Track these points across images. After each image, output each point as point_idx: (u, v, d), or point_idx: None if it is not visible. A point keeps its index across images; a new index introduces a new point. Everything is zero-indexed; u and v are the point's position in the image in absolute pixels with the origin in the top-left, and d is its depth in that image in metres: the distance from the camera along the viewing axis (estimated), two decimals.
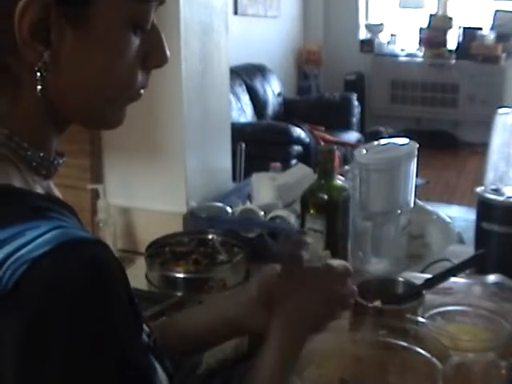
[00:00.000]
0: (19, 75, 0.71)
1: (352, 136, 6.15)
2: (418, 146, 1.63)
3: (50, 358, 0.59)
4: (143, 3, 0.74)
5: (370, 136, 5.91)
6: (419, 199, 1.76)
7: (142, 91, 0.80)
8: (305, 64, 7.54)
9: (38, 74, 0.70)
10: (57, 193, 0.81)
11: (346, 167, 1.82)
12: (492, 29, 7.42)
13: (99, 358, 0.61)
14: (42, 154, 0.74)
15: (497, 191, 1.57)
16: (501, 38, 7.29)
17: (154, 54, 0.79)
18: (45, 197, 0.73)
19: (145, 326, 0.75)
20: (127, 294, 0.68)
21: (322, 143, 5.36)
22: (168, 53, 0.80)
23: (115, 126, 0.81)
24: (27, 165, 0.73)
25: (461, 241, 1.79)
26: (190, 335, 1.09)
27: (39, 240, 0.61)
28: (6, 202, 0.66)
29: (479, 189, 1.60)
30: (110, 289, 0.63)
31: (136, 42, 0.75)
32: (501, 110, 1.72)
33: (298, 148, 5.13)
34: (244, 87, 5.85)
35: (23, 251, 0.60)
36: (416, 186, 1.67)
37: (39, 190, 0.74)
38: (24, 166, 0.73)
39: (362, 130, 6.64)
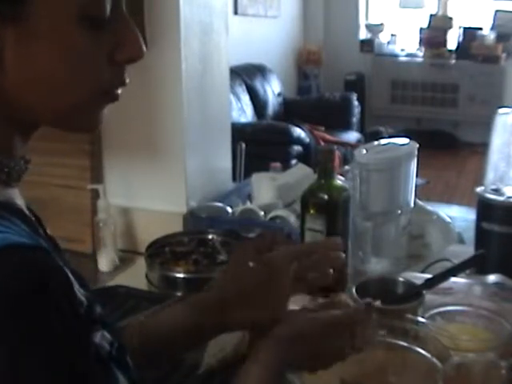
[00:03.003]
0: None
1: (352, 136, 6.15)
2: (418, 145, 1.63)
3: None
4: None
5: (370, 136, 5.92)
6: (419, 199, 1.76)
7: (118, 91, 0.75)
8: (305, 64, 7.54)
9: None
10: (20, 201, 0.75)
11: (346, 167, 1.82)
12: (492, 29, 7.42)
13: (31, 373, 0.58)
14: (0, 159, 0.70)
15: (497, 191, 1.57)
16: (501, 37, 7.29)
17: (122, 47, 0.72)
18: None
19: (106, 333, 0.72)
20: (70, 302, 0.63)
21: (322, 143, 5.36)
22: (141, 44, 0.73)
23: (90, 129, 0.78)
24: None
25: (461, 241, 1.79)
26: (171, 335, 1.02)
27: None
28: None
29: (479, 189, 1.60)
30: (46, 295, 0.60)
31: (93, 36, 0.69)
32: (501, 110, 1.72)
33: (298, 148, 5.13)
34: (244, 87, 5.85)
35: None
36: (416, 186, 1.67)
37: None
38: None
39: (362, 130, 6.64)
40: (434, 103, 7.61)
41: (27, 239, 0.64)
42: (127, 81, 0.75)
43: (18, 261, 0.60)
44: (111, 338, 0.71)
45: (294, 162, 4.60)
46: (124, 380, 0.70)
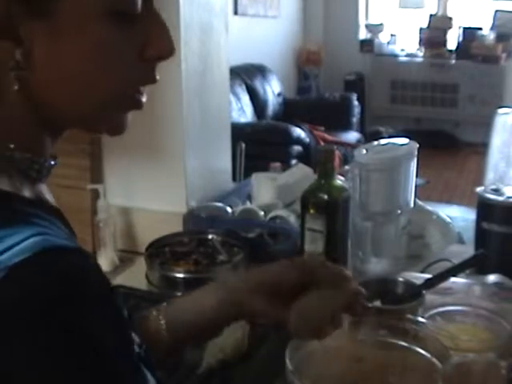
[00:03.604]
0: None
1: (352, 136, 6.16)
2: (417, 145, 1.63)
3: (19, 371, 0.56)
4: None
5: (369, 136, 5.92)
6: (419, 199, 1.76)
7: (143, 98, 0.74)
8: (305, 64, 7.54)
9: (13, 73, 0.65)
10: (49, 197, 0.76)
11: (346, 167, 1.82)
12: (492, 29, 7.44)
13: (76, 375, 0.57)
14: (30, 157, 0.70)
15: (497, 191, 1.57)
16: (501, 37, 7.30)
17: (152, 44, 0.71)
18: (30, 201, 0.68)
19: (135, 336, 0.72)
20: (111, 305, 0.63)
21: (322, 143, 5.36)
22: (171, 41, 0.72)
23: (116, 132, 0.76)
24: (15, 167, 0.69)
25: (461, 241, 1.79)
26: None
27: (17, 247, 0.58)
28: None
29: (479, 189, 1.60)
30: (87, 300, 0.59)
31: (123, 32, 0.68)
32: (501, 110, 1.72)
33: (297, 148, 5.13)
34: (244, 87, 5.85)
35: (0, 258, 0.57)
36: (416, 186, 1.67)
37: (26, 193, 0.70)
38: (12, 168, 0.69)
39: (362, 130, 6.65)
40: (434, 103, 7.62)
41: (67, 240, 0.63)
42: (157, 78, 0.74)
43: (61, 265, 0.59)
44: (139, 339, 0.72)
45: (293, 162, 4.61)
46: (153, 380, 0.70)
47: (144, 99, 0.75)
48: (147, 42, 0.70)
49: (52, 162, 0.74)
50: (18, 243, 0.58)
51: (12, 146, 0.69)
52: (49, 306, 0.56)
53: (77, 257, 0.62)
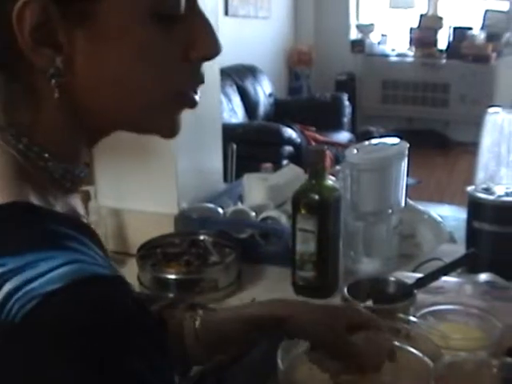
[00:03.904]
0: (34, 84, 0.65)
1: (343, 136, 6.16)
2: (408, 145, 1.63)
3: None
4: None
5: (361, 136, 5.93)
6: (410, 199, 1.76)
7: (196, 96, 0.72)
8: (296, 64, 7.54)
9: (53, 80, 0.63)
10: (80, 208, 0.74)
11: (337, 167, 1.82)
12: (482, 28, 7.46)
13: None
14: (65, 166, 0.68)
15: (487, 190, 1.57)
16: (491, 37, 7.33)
17: (196, 45, 0.68)
18: (64, 218, 0.65)
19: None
20: (148, 337, 0.61)
21: (314, 143, 5.36)
22: (217, 40, 0.69)
23: (168, 134, 0.75)
24: (48, 177, 0.67)
25: (452, 240, 1.79)
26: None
27: (52, 274, 0.56)
28: (22, 224, 0.60)
29: (470, 188, 1.60)
30: (121, 330, 0.57)
31: (167, 33, 0.66)
32: (491, 110, 1.72)
33: (289, 148, 5.13)
34: (235, 88, 5.86)
35: (34, 284, 0.55)
36: (407, 186, 1.67)
37: (59, 207, 0.67)
38: (45, 179, 0.67)
39: (353, 130, 6.66)
40: (425, 103, 7.64)
41: (102, 266, 0.61)
42: (204, 78, 0.72)
43: (96, 294, 0.57)
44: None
45: (285, 162, 4.61)
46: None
47: (198, 98, 0.73)
48: (191, 42, 0.68)
49: (85, 171, 0.73)
50: (52, 269, 0.56)
51: (47, 155, 0.67)
52: (82, 335, 0.55)
53: (111, 285, 0.60)
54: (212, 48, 0.69)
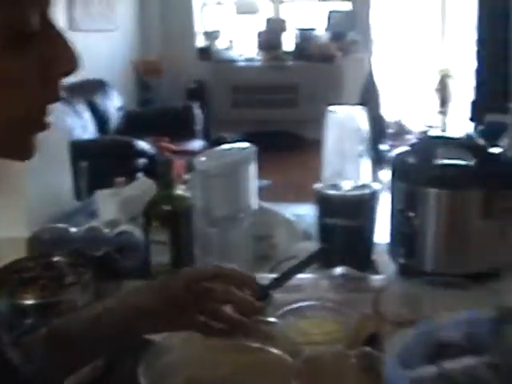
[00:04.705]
0: None
1: (197, 144, 6.17)
2: (258, 148, 1.65)
3: None
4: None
5: (214, 143, 5.95)
6: (264, 201, 1.78)
7: (47, 119, 0.69)
8: (145, 75, 7.49)
9: None
10: None
11: (187, 176, 1.83)
12: (327, 29, 7.70)
13: None
14: None
15: (335, 186, 1.62)
16: (336, 37, 7.58)
17: (55, 62, 0.66)
18: None
19: None
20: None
21: (168, 154, 5.34)
22: (76, 55, 0.67)
23: (24, 156, 0.71)
24: None
25: (309, 237, 1.82)
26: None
27: None
28: None
29: (317, 185, 1.65)
30: None
31: (22, 57, 0.63)
32: (331, 108, 1.78)
33: (143, 161, 5.09)
34: (85, 104, 5.75)
35: None
36: (259, 189, 1.69)
37: None
38: None
39: (207, 138, 6.68)
40: (275, 105, 7.76)
41: None
42: (61, 95, 0.69)
43: None
44: None
45: (140, 175, 4.56)
46: None
47: (49, 119, 0.70)
48: (50, 59, 0.65)
49: None
50: None
51: None
52: None
53: None
54: (73, 62, 0.67)
